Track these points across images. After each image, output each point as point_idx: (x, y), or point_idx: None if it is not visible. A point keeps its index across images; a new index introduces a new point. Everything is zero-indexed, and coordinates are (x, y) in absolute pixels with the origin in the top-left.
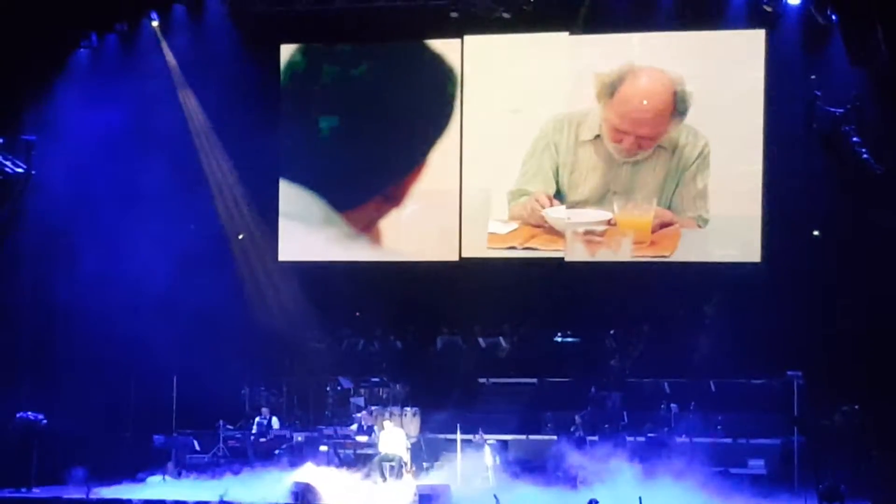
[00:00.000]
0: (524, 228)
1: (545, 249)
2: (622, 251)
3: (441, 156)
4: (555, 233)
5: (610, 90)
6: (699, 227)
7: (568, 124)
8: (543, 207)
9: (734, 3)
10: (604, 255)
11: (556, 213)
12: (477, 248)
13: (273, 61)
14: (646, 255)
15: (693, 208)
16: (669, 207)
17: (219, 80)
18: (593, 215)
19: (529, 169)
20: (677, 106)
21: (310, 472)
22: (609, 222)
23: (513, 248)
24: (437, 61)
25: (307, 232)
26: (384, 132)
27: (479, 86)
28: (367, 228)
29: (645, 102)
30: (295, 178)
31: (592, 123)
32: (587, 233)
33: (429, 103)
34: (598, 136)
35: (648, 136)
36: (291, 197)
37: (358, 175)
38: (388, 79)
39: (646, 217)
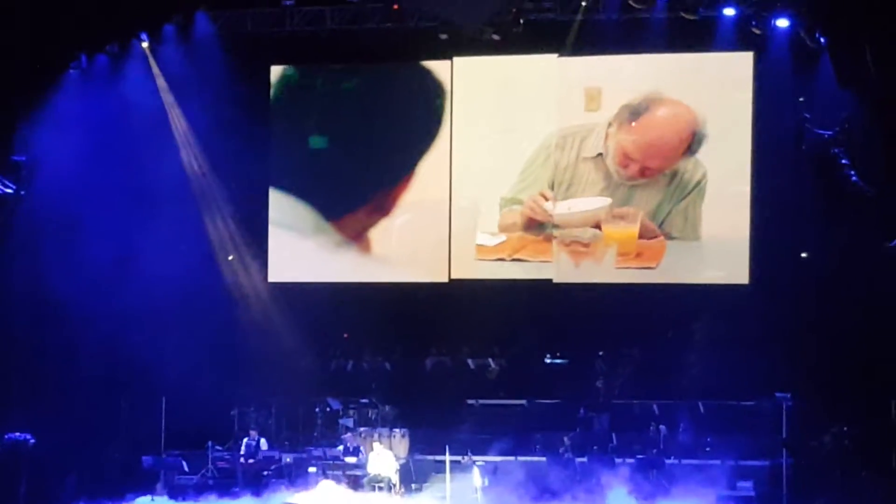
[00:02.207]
0: (512, 239)
1: (533, 260)
2: (606, 262)
3: (431, 169)
4: (543, 243)
5: (632, 115)
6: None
7: (572, 140)
8: (546, 200)
9: (723, 25)
10: (588, 265)
11: (558, 208)
12: (466, 262)
13: (263, 82)
14: (631, 265)
15: (683, 233)
16: (660, 227)
17: (209, 101)
18: (593, 203)
19: (527, 178)
20: (692, 145)
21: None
22: (601, 222)
23: (501, 259)
24: (427, 74)
25: (297, 240)
26: (373, 143)
27: (467, 105)
28: (357, 237)
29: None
30: (285, 188)
31: (597, 140)
32: (572, 243)
33: (418, 115)
34: (600, 154)
35: (655, 167)
36: (281, 206)
37: (347, 184)
38: (378, 91)
39: (632, 229)
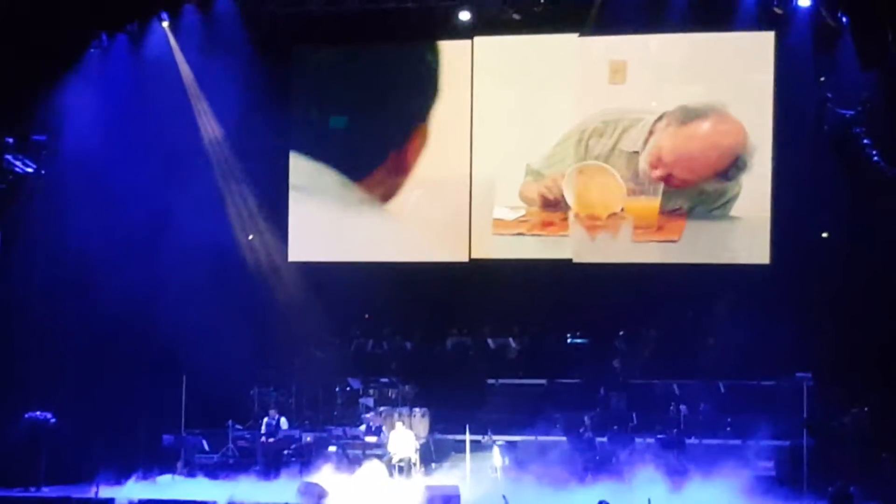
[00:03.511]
0: (531, 213)
1: (551, 235)
2: (622, 235)
3: (450, 148)
4: (562, 216)
5: (686, 117)
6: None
7: (614, 127)
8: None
9: (744, 4)
10: (603, 238)
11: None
12: (486, 240)
13: (284, 61)
14: (653, 239)
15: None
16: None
17: (229, 80)
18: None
19: (557, 153)
20: (729, 170)
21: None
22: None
23: (520, 234)
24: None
25: (318, 213)
26: (390, 119)
27: (488, 83)
28: (385, 196)
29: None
30: (306, 153)
31: (639, 135)
32: (589, 217)
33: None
34: (636, 152)
35: (682, 179)
36: (301, 169)
37: (364, 148)
38: (395, 69)
39: (652, 203)
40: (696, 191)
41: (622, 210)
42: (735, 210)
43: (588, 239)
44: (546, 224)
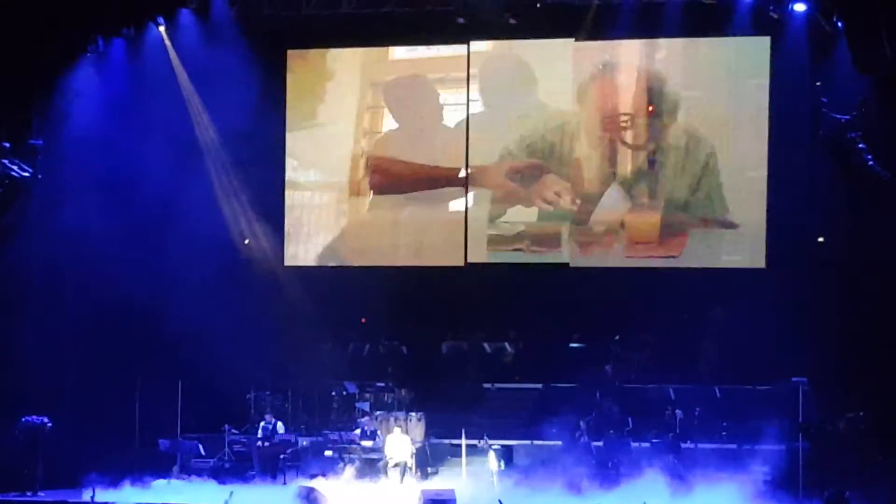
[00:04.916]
0: (529, 230)
1: (546, 252)
2: (615, 251)
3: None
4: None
5: (582, 95)
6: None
7: (562, 136)
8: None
9: (740, 10)
10: (598, 254)
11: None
12: (482, 247)
13: (280, 65)
14: (652, 255)
15: (708, 212)
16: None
17: (225, 84)
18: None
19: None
20: (653, 101)
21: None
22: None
23: (519, 250)
24: None
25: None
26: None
27: (483, 89)
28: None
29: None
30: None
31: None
32: (582, 233)
33: None
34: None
35: (621, 133)
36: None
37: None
38: None
39: (653, 218)
40: (666, 157)
41: (621, 225)
42: (729, 212)
43: (580, 254)
44: (544, 240)
